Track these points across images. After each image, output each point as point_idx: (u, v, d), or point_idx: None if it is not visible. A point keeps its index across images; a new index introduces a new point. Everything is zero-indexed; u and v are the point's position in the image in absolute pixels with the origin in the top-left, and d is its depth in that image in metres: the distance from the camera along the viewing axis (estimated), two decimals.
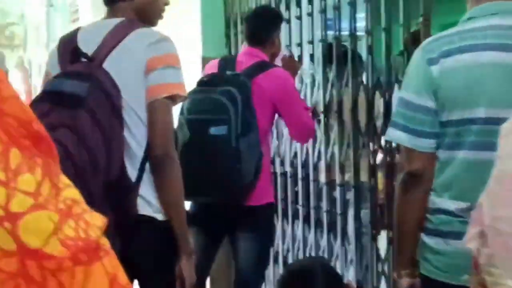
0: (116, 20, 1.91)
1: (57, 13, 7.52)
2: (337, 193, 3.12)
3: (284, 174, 3.55)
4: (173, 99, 1.88)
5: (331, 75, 3.07)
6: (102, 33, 1.89)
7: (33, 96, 9.04)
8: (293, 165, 3.46)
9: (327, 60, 3.14)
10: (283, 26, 3.52)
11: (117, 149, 1.79)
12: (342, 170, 3.06)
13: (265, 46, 2.84)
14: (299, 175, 3.40)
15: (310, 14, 3.27)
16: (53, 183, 0.90)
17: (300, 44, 3.38)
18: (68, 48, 1.90)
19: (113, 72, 1.82)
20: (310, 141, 3.25)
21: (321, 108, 3.15)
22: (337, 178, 3.09)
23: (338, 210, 3.09)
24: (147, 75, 1.84)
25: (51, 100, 1.79)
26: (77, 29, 1.98)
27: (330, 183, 3.19)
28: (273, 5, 3.58)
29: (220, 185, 2.49)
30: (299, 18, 3.39)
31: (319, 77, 3.21)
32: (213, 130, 2.37)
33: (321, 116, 3.15)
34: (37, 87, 8.59)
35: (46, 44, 7.98)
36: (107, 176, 1.76)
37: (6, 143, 0.86)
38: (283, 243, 3.57)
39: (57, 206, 0.88)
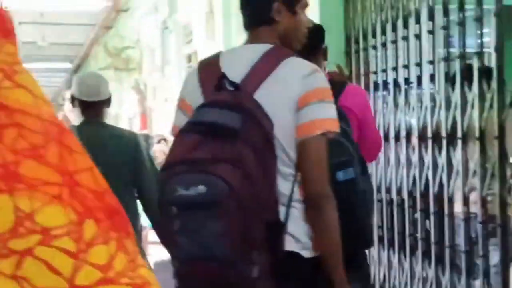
0: (263, 47, 1.79)
1: (171, 35, 7.52)
2: (478, 230, 2.73)
3: (412, 206, 3.21)
4: (326, 135, 1.74)
5: (470, 96, 2.71)
6: (248, 60, 1.77)
7: (148, 119, 8.94)
8: (425, 196, 3.09)
9: (464, 79, 2.78)
10: (401, 45, 3.25)
11: (273, 185, 1.68)
12: (484, 204, 2.68)
13: (318, 61, 2.52)
14: (431, 209, 3.03)
15: (431, 32, 3.00)
16: (130, 257, 0.89)
17: (419, 64, 3.10)
18: (211, 75, 1.77)
19: (264, 104, 1.70)
20: (444, 170, 2.89)
21: (459, 133, 2.78)
22: (478, 213, 2.71)
23: (480, 251, 2.70)
24: (299, 110, 1.72)
25: (200, 131, 1.66)
26: (218, 54, 1.85)
27: (468, 219, 2.81)
28: (389, 22, 3.33)
29: (355, 233, 2.16)
30: (418, 36, 3.10)
31: (440, 98, 2.92)
32: (340, 176, 2.07)
33: (459, 142, 2.78)
34: (152, 110, 8.64)
35: (160, 67, 8.01)
36: (266, 214, 1.64)
37: (81, 213, 0.86)
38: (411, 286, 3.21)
39: (134, 280, 0.88)
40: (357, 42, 3.66)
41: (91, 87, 2.99)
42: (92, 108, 2.95)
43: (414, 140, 3.18)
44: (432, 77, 3.03)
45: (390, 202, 3.41)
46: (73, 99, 3.02)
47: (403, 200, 3.29)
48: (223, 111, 1.66)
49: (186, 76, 1.92)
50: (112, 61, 9.29)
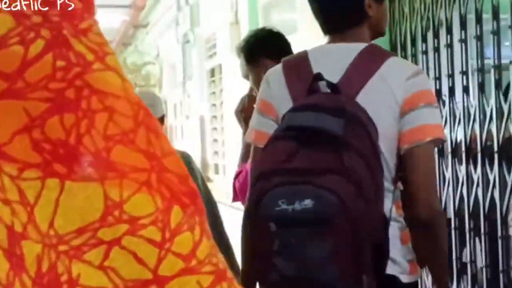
0: (358, 46, 1.65)
1: (193, 49, 7.24)
2: None
3: (474, 229, 2.85)
4: (434, 143, 1.61)
5: None
6: (342, 60, 1.62)
7: (169, 137, 8.72)
8: (490, 218, 2.74)
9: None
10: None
11: (382, 202, 1.50)
12: None
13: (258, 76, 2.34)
14: (499, 233, 2.67)
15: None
16: (212, 241, 0.88)
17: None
18: (300, 76, 1.64)
19: (366, 108, 1.54)
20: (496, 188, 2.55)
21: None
22: None
23: None
24: (405, 115, 1.58)
25: (296, 137, 1.47)
26: (305, 53, 1.70)
27: None
28: (442, 24, 3.02)
29: None
30: (480, 38, 2.77)
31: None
32: None
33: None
34: (173, 127, 8.35)
35: (182, 83, 7.73)
36: (376, 236, 1.46)
37: (168, 199, 0.86)
38: None
39: (217, 266, 0.87)
40: (404, 48, 3.33)
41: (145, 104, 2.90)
42: None
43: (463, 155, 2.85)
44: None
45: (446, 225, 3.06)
46: None
47: (462, 222, 2.94)
48: (322, 115, 1.47)
49: (267, 77, 1.74)
50: (132, 78, 9.04)
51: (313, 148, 1.43)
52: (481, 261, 2.83)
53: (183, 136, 7.78)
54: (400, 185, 1.66)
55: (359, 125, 1.49)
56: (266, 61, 2.39)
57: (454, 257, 2.99)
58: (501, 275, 2.68)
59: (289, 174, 1.42)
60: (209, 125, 6.78)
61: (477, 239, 2.84)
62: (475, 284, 2.88)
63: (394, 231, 1.59)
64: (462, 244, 2.95)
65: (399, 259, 1.60)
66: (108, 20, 9.30)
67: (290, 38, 4.62)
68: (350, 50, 1.64)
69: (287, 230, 1.40)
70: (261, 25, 5.32)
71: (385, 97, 1.58)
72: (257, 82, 2.38)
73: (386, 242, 1.53)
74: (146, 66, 8.97)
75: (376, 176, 1.48)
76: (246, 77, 2.47)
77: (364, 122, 1.50)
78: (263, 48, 2.43)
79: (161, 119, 3.02)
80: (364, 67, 1.60)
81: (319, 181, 1.39)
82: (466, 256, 2.91)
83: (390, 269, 1.57)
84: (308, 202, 1.37)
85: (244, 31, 5.55)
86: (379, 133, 1.54)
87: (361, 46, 1.65)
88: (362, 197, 1.40)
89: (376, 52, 1.65)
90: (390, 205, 1.58)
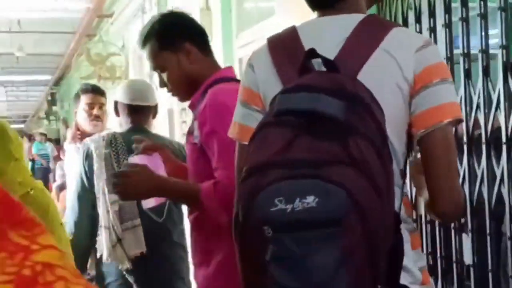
0: (355, 17, 1.46)
1: None
2: None
3: (480, 229, 2.58)
4: (453, 124, 1.41)
5: None
6: (338, 34, 1.42)
7: None
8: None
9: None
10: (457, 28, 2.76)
11: (393, 196, 1.28)
12: None
13: (180, 61, 2.16)
14: (508, 233, 2.40)
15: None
16: (11, 251, 0.79)
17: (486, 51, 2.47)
18: (289, 54, 1.44)
19: (369, 86, 1.33)
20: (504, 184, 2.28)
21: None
22: None
23: None
24: (417, 93, 1.39)
25: (292, 123, 1.24)
26: (293, 29, 1.49)
27: None
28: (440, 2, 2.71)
29: None
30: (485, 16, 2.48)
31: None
32: None
33: None
34: None
35: (149, 74, 7.37)
36: (390, 237, 1.24)
37: None
38: None
39: (20, 272, 0.78)
40: None
41: (138, 91, 2.95)
42: (139, 113, 2.91)
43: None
44: None
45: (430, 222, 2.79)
46: (116, 106, 2.93)
47: (465, 222, 2.67)
48: (318, 96, 1.23)
49: (251, 60, 1.52)
50: (96, 69, 8.64)
51: (313, 135, 1.21)
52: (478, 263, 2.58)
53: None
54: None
55: (362, 107, 1.27)
56: (187, 45, 2.12)
57: (454, 259, 2.72)
58: (510, 280, 2.41)
59: (288, 166, 1.17)
60: (178, 118, 6.48)
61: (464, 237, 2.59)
62: None
63: (403, 234, 1.38)
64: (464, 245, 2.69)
65: (410, 267, 1.42)
66: (69, 9, 8.90)
67: (267, 22, 4.35)
68: (347, 22, 1.45)
69: (286, 234, 1.15)
70: (234, 11, 5.00)
71: (391, 73, 1.39)
72: (178, 70, 2.12)
73: (399, 246, 1.31)
74: (111, 57, 8.58)
75: (387, 165, 1.26)
76: (157, 68, 2.16)
77: (368, 104, 1.29)
78: (185, 32, 2.16)
79: (154, 109, 2.98)
80: (365, 41, 1.41)
81: (325, 174, 1.15)
82: (469, 259, 2.64)
83: (403, 279, 1.37)
84: (311, 200, 1.13)
85: (217, 18, 5.23)
86: (388, 115, 1.33)
87: (359, 17, 1.46)
88: (375, 190, 1.18)
89: (377, 23, 1.46)
90: (399, 203, 1.38)
